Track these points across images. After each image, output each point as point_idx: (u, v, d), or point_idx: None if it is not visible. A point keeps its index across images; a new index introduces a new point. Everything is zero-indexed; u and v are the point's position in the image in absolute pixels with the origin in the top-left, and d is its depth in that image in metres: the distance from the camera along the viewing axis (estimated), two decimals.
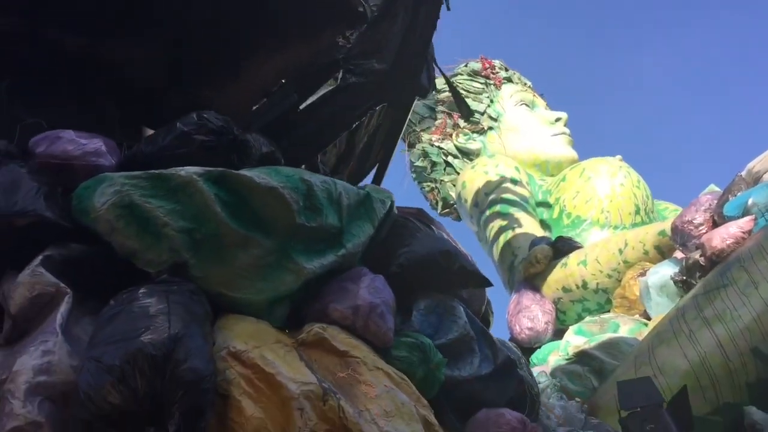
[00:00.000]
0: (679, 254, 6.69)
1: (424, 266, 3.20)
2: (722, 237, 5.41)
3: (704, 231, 6.14)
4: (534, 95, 10.52)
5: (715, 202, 6.27)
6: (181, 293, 2.29)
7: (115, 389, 1.96)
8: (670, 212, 9.75)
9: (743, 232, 5.35)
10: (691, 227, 6.23)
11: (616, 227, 9.05)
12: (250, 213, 2.64)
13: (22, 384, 2.14)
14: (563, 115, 10.25)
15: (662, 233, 7.26)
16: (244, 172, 2.70)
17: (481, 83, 10.15)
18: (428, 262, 3.22)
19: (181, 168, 2.63)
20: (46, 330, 2.28)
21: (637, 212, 9.34)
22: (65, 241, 2.56)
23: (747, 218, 5.41)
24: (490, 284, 3.50)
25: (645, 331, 6.17)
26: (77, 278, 2.46)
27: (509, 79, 10.15)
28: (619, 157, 9.94)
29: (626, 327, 6.25)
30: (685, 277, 5.79)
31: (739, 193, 5.96)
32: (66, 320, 2.31)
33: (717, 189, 6.84)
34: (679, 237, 6.39)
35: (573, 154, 10.06)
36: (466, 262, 3.37)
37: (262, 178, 2.67)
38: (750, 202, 5.59)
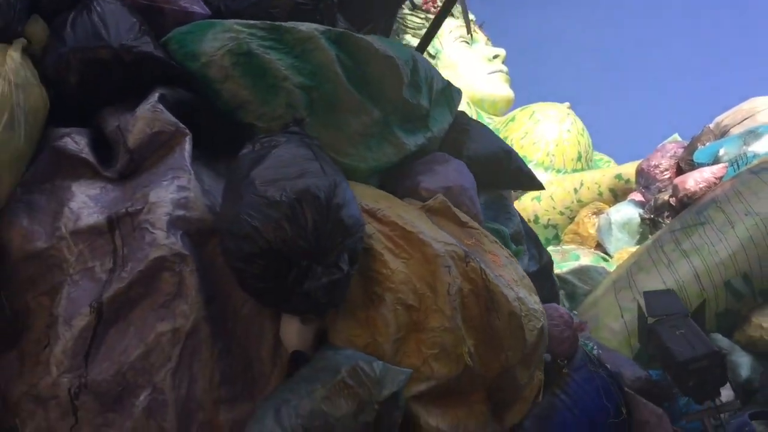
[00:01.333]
0: (636, 196, 7.04)
1: (488, 162, 3.23)
2: (696, 180, 5.73)
3: (668, 176, 6.49)
4: (475, 29, 10.56)
5: (681, 150, 6.62)
6: (318, 146, 2.22)
7: (286, 224, 1.90)
8: (604, 163, 10.27)
9: (716, 178, 5.69)
10: (657, 171, 6.57)
11: (558, 171, 9.46)
12: (364, 79, 2.57)
13: (163, 216, 2.05)
14: (501, 51, 10.37)
15: (618, 177, 7.62)
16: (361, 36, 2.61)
17: (421, 18, 10.04)
18: (492, 158, 3.25)
19: (299, 23, 2.51)
20: (176, 166, 2.17)
21: (579, 159, 9.77)
22: (171, 83, 2.41)
23: (720, 165, 5.74)
24: (542, 187, 3.58)
25: (603, 264, 6.51)
26: (184, 122, 2.34)
27: (450, 14, 10.11)
28: (567, 104, 10.26)
29: (587, 258, 6.54)
30: (653, 216, 6.10)
31: (708, 143, 6.30)
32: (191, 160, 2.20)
33: (680, 139, 7.20)
34: (644, 179, 6.72)
35: (509, 93, 10.26)
36: (522, 164, 3.43)
37: (380, 45, 2.60)
38: (721, 151, 5.94)
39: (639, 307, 3.58)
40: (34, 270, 2.02)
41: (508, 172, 3.30)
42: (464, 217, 2.46)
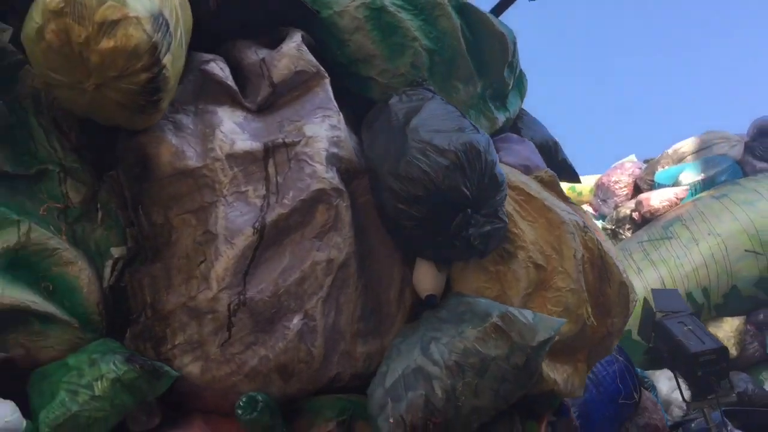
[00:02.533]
0: (588, 208, 7.44)
1: (539, 150, 3.37)
2: (660, 199, 6.14)
3: (626, 192, 6.91)
4: None
5: (638, 170, 7.06)
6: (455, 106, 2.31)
7: (454, 172, 1.98)
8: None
9: (677, 198, 6.13)
10: (616, 186, 6.98)
11: None
12: (478, 51, 2.66)
13: (321, 150, 2.08)
14: None
15: (572, 188, 7.99)
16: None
17: None
18: (542, 146, 3.39)
19: None
20: (324, 106, 2.20)
21: None
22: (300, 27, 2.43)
23: (682, 187, 6.19)
24: (578, 180, 3.76)
25: None
26: None
27: None
28: None
29: None
30: (614, 227, 6.48)
31: (667, 167, 6.75)
32: None
33: (636, 160, 7.66)
34: (602, 193, 7.12)
35: None
36: (565, 155, 3.60)
37: (495, 21, 2.70)
38: (682, 176, 6.39)
39: (645, 302, 3.82)
40: (181, 188, 2.01)
41: (555, 161, 3.45)
42: (563, 192, 2.59)
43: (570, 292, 2.16)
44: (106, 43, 1.74)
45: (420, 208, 1.97)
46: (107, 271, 1.96)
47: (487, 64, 2.67)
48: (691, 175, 6.26)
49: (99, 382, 1.70)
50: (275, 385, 1.91)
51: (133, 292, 1.95)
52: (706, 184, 6.19)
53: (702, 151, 6.78)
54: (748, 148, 6.72)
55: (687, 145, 6.88)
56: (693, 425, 4.20)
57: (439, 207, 1.98)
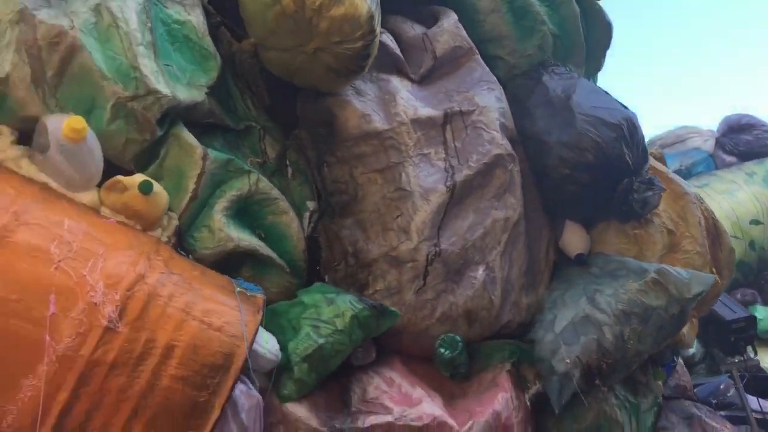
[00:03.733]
0: None
1: None
2: None
3: None
4: None
5: None
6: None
7: (620, 143, 2.18)
8: None
9: None
10: None
11: None
12: (589, 39, 2.85)
13: (495, 119, 2.25)
14: None
15: None
16: None
17: None
18: None
19: None
20: (487, 79, 2.38)
21: None
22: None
23: None
24: None
25: None
26: None
27: None
28: None
29: None
30: None
31: None
32: None
33: None
34: None
35: None
36: None
37: (605, 11, 2.91)
38: None
39: None
40: (366, 148, 2.14)
41: None
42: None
43: (697, 254, 2.40)
44: (336, 11, 1.86)
45: (587, 175, 2.17)
46: (305, 222, 2.07)
47: (593, 51, 2.87)
48: (670, 165, 6.63)
49: (339, 318, 1.83)
50: (461, 330, 2.07)
51: (329, 242, 2.07)
52: (684, 175, 6.57)
53: (677, 144, 7.21)
54: (719, 143, 7.18)
55: (663, 138, 7.28)
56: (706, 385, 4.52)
57: (605, 174, 2.18)
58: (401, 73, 2.30)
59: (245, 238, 1.84)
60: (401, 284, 2.02)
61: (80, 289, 1.38)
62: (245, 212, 1.91)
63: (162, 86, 1.68)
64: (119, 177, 1.61)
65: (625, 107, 2.30)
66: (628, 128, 2.19)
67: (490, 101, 2.26)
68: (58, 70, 1.57)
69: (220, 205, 1.81)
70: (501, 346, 2.14)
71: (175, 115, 1.75)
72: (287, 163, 2.13)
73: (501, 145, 2.19)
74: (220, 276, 1.68)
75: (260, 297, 1.63)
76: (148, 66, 1.66)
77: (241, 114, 2.08)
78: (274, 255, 1.91)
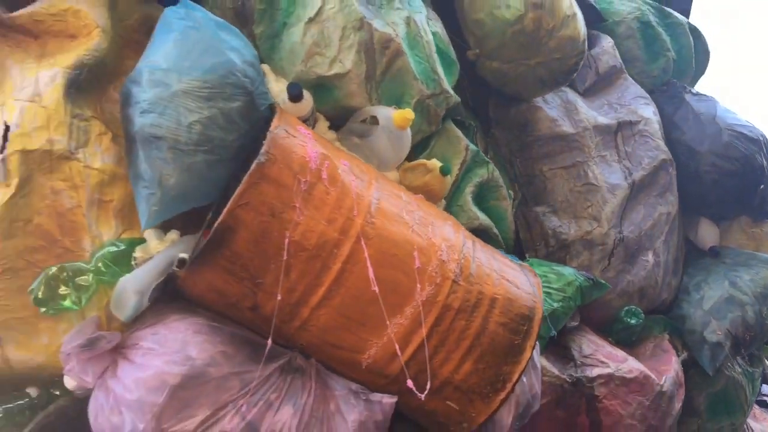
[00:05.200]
0: None
1: None
2: None
3: None
4: None
5: None
6: None
7: (759, 155, 2.59)
8: None
9: None
10: None
11: None
12: (696, 63, 3.28)
13: (657, 130, 2.63)
14: None
15: None
16: None
17: None
18: None
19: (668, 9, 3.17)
20: (642, 95, 2.77)
21: None
22: None
23: None
24: None
25: None
26: None
27: None
28: None
29: None
30: None
31: None
32: None
33: None
34: None
35: None
36: None
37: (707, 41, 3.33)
38: None
39: None
40: (554, 148, 2.49)
41: None
42: None
43: None
44: (564, 32, 2.21)
45: (733, 180, 2.56)
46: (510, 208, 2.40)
47: (695, 75, 3.29)
48: None
49: (569, 287, 2.16)
50: (634, 303, 2.43)
51: (528, 226, 2.41)
52: None
53: None
54: None
55: None
56: None
57: (748, 180, 2.57)
58: (572, 86, 2.64)
59: (484, 218, 2.15)
60: (591, 263, 2.37)
61: (432, 249, 1.68)
62: (476, 195, 2.23)
63: (448, 87, 1.98)
64: (422, 160, 1.91)
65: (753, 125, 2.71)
66: (764, 142, 2.59)
67: (649, 114, 2.63)
68: (384, 69, 1.86)
69: (469, 188, 2.12)
70: (658, 320, 2.51)
71: (448, 111, 2.06)
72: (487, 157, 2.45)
73: (664, 151, 2.56)
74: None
75: (525, 264, 1.95)
76: (440, 70, 1.97)
77: (462, 113, 2.39)
78: (498, 234, 2.23)
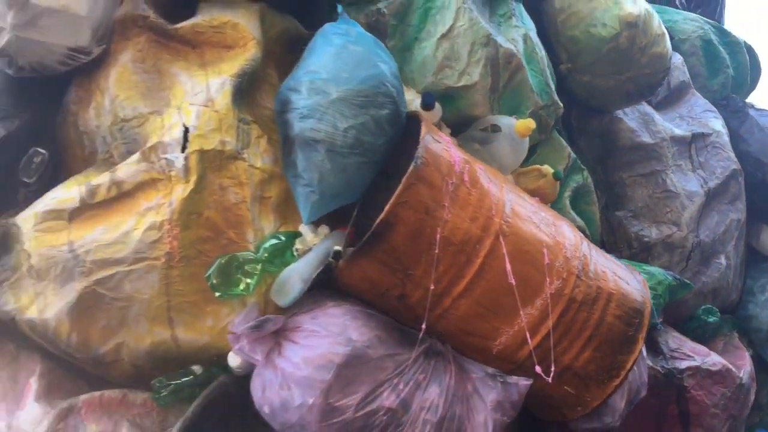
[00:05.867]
0: None
1: None
2: None
3: None
4: None
5: None
6: None
7: None
8: None
9: None
10: None
11: None
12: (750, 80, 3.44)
13: (727, 142, 2.80)
14: None
15: None
16: None
17: None
18: None
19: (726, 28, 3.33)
20: (710, 109, 2.94)
21: None
22: None
23: None
24: None
25: None
26: None
27: None
28: None
29: None
30: None
31: None
32: None
33: None
34: None
35: None
36: None
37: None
38: None
39: None
40: (634, 157, 2.64)
41: None
42: None
43: None
44: (655, 50, 2.36)
45: None
46: None
47: (747, 90, 3.46)
48: None
49: (660, 286, 2.30)
50: (706, 302, 2.59)
51: (611, 228, 2.56)
52: None
53: None
54: None
55: None
56: None
57: None
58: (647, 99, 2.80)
59: (580, 221, 2.30)
60: (671, 265, 2.52)
61: (558, 247, 1.83)
62: (572, 200, 2.38)
63: (557, 99, 2.14)
64: (537, 165, 2.06)
65: None
66: None
67: (719, 127, 2.79)
68: (506, 82, 2.01)
69: (567, 193, 2.28)
70: (727, 319, 2.66)
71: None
72: None
73: (734, 162, 2.72)
74: None
75: (629, 264, 2.10)
76: (552, 83, 2.12)
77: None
78: (590, 236, 2.39)
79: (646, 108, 2.72)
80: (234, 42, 1.85)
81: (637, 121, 2.65)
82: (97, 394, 1.69)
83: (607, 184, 2.59)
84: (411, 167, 1.62)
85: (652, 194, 2.58)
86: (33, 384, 1.66)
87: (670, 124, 2.72)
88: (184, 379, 1.71)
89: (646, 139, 2.63)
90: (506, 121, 1.95)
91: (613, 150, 2.60)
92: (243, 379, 1.74)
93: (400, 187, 1.61)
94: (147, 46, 1.83)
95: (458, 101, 1.95)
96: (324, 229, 1.77)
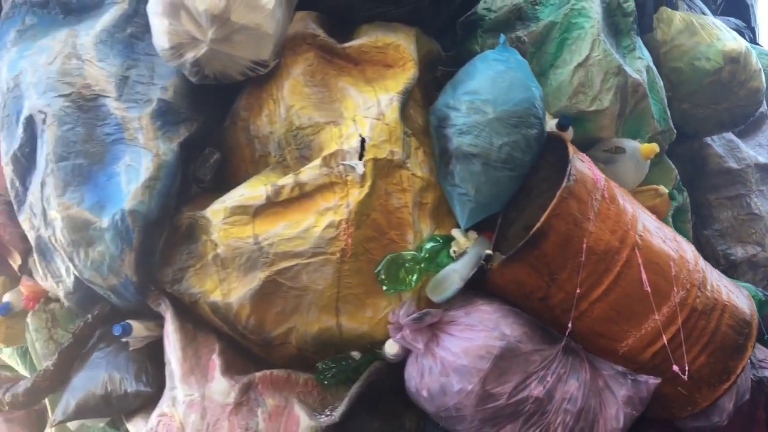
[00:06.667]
0: None
1: None
2: None
3: None
4: None
5: None
6: None
7: None
8: None
9: None
10: None
11: None
12: None
13: None
14: None
15: None
16: None
17: None
18: None
19: None
20: None
21: None
22: None
23: None
24: None
25: None
26: None
27: None
28: None
29: None
30: None
31: None
32: None
33: None
34: None
35: None
36: None
37: None
38: None
39: None
40: (720, 181, 2.81)
41: None
42: None
43: None
44: (752, 84, 2.53)
45: None
46: None
47: None
48: None
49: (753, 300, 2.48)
50: None
51: (700, 246, 2.73)
52: None
53: None
54: None
55: None
56: None
57: None
58: None
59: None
60: (755, 282, 2.69)
61: (681, 260, 2.00)
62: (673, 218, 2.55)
63: (672, 125, 2.31)
64: (653, 185, 2.23)
65: None
66: None
67: None
68: (632, 108, 2.18)
69: (670, 211, 2.44)
70: None
71: None
72: None
73: None
74: None
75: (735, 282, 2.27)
76: (668, 111, 2.29)
77: None
78: None
79: (730, 135, 2.89)
80: (394, 61, 2.03)
81: (724, 147, 2.82)
82: (267, 372, 1.86)
83: (695, 205, 2.75)
84: (564, 183, 1.79)
85: (737, 216, 2.75)
86: (216, 360, 1.83)
87: (753, 152, 2.89)
88: (343, 363, 1.88)
89: (733, 164, 2.79)
90: (631, 144, 2.12)
91: (702, 173, 2.77)
92: (394, 366, 1.91)
93: (555, 200, 1.78)
94: (315, 62, 2.01)
95: (587, 124, 2.12)
96: (473, 235, 1.94)
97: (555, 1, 2.14)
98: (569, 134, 2.05)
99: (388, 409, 1.92)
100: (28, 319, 2.31)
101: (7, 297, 2.40)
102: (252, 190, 1.84)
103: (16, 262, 2.28)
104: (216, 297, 1.82)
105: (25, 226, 1.99)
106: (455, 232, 1.91)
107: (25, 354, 2.63)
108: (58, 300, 2.28)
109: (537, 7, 2.15)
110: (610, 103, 2.08)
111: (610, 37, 2.17)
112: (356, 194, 1.79)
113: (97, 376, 1.93)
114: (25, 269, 2.30)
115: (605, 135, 2.14)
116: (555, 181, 1.84)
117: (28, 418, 4.56)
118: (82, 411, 1.94)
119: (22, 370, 2.58)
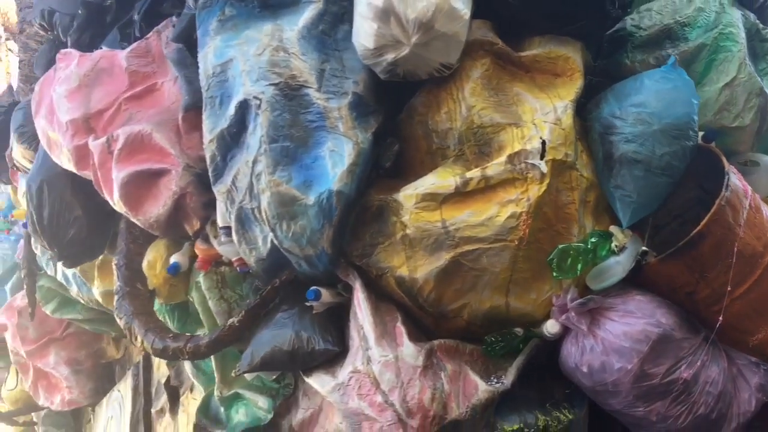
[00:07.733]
0: None
1: None
2: None
3: None
4: None
5: None
6: None
7: None
8: None
9: None
10: None
11: None
12: None
13: None
14: None
15: None
16: None
17: None
18: None
19: None
20: None
21: None
22: None
23: None
24: None
25: None
26: None
27: None
28: None
29: None
30: None
31: None
32: None
33: None
34: None
35: None
36: None
37: None
38: None
39: None
40: None
41: None
42: None
43: None
44: None
45: None
46: None
47: None
48: None
49: None
50: None
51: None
52: None
53: None
54: None
55: None
56: None
57: None
58: None
59: None
60: None
61: None
62: None
63: None
64: None
65: None
66: None
67: None
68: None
69: None
70: None
71: None
72: None
73: None
74: None
75: None
76: None
77: None
78: None
79: None
80: (562, 71, 2.23)
81: None
82: (441, 341, 2.08)
83: None
84: (723, 192, 1.99)
85: None
86: (401, 327, 2.05)
87: None
88: (510, 338, 2.10)
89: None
90: (765, 159, 2.32)
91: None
92: (548, 344, 2.13)
93: (715, 207, 1.99)
94: (491, 67, 2.20)
95: (727, 138, 2.32)
96: (628, 232, 2.14)
97: (702, 23, 2.32)
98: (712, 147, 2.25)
99: (539, 381, 2.14)
100: (200, 279, 2.53)
101: (175, 257, 2.62)
102: (441, 180, 2.04)
103: (193, 227, 2.50)
104: (403, 272, 2.04)
105: (221, 197, 2.20)
106: (614, 229, 2.11)
107: (173, 310, 2.86)
108: (227, 263, 2.51)
109: (686, 28, 2.33)
110: (751, 121, 2.27)
111: (750, 60, 2.35)
112: (536, 190, 2.00)
113: (284, 334, 2.15)
114: (201, 234, 2.52)
115: (742, 149, 2.33)
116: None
117: (94, 371, 4.84)
118: (267, 363, 2.17)
119: (170, 324, 2.80)
